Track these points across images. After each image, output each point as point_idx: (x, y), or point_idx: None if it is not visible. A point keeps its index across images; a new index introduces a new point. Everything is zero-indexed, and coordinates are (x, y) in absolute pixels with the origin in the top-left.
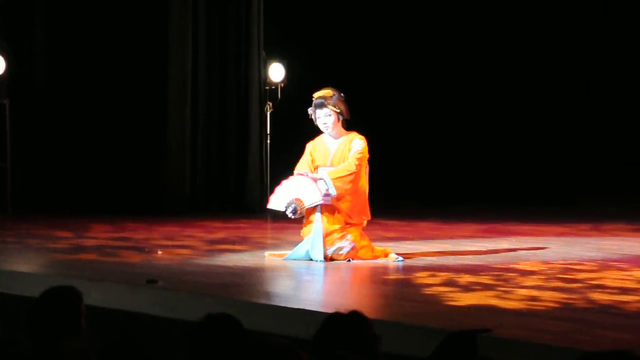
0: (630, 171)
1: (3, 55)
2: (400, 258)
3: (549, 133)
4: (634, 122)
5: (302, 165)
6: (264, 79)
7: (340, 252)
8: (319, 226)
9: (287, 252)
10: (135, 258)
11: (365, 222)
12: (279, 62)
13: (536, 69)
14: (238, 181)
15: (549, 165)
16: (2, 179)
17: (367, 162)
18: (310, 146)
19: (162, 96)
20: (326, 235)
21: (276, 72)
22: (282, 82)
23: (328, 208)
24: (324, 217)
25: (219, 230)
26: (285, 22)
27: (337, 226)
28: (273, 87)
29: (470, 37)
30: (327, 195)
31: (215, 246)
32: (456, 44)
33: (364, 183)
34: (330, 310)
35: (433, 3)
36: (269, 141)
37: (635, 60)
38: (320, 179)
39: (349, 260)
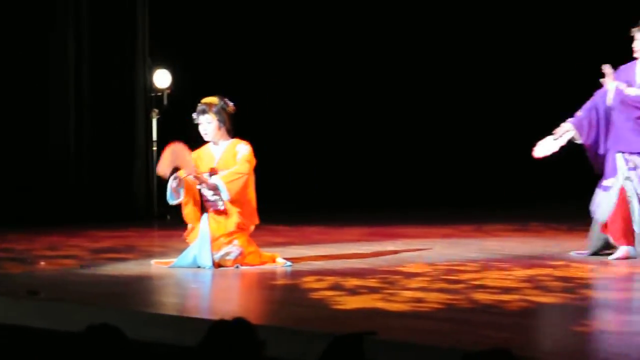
0: (510, 173)
1: None
2: (288, 263)
3: (432, 136)
4: (511, 126)
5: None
6: (149, 85)
7: (228, 257)
8: (205, 231)
9: (174, 260)
10: (16, 269)
11: (252, 228)
12: (165, 68)
13: (405, 73)
14: (124, 189)
15: (432, 168)
16: None
17: (253, 168)
18: (194, 154)
19: (43, 104)
20: (213, 240)
21: (162, 78)
22: (168, 88)
23: (216, 213)
24: (210, 221)
25: (105, 239)
26: (171, 28)
27: (224, 231)
28: (159, 94)
29: (343, 38)
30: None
31: (101, 255)
32: (331, 48)
33: (252, 190)
34: (216, 317)
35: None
36: (155, 148)
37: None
38: (213, 184)
39: (237, 267)
